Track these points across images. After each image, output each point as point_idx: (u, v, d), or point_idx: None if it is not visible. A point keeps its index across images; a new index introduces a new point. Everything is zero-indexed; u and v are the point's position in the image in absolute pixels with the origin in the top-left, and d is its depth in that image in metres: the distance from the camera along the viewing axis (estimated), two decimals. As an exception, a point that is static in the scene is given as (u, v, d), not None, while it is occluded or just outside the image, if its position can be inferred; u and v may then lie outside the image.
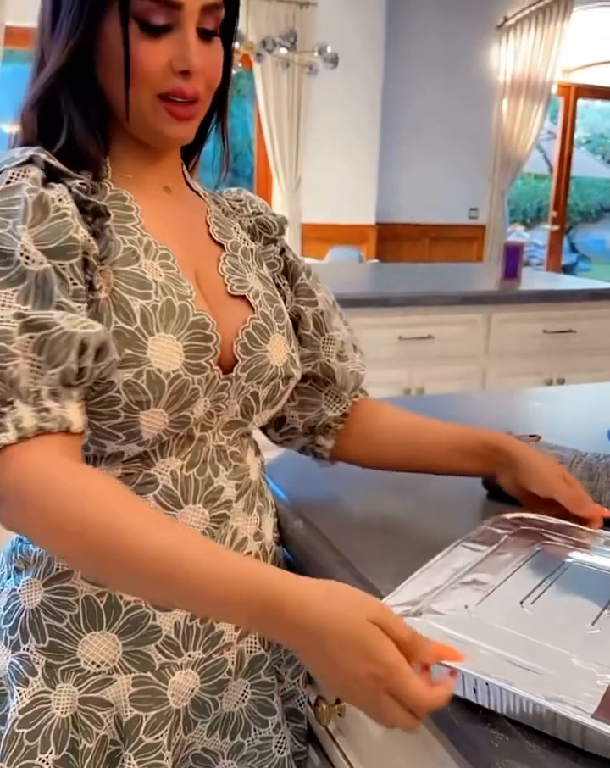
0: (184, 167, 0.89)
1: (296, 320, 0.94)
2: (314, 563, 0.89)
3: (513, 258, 3.17)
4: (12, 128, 0.79)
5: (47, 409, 0.65)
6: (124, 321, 0.72)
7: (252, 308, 0.84)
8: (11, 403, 0.64)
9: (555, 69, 6.44)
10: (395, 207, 6.14)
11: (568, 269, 8.89)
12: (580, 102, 7.25)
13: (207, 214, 0.89)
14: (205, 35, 0.77)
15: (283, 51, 4.19)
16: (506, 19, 6.23)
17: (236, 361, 0.81)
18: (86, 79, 0.77)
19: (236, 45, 4.14)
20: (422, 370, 2.94)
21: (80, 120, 0.77)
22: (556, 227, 7.43)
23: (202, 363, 0.77)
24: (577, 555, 0.81)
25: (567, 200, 7.48)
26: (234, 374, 0.80)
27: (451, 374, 2.99)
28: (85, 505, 0.62)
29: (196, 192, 0.91)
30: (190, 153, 0.90)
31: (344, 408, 0.97)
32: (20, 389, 0.64)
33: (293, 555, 0.94)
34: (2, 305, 0.65)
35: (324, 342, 0.95)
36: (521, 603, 0.72)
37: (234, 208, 0.94)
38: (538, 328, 3.10)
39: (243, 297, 0.84)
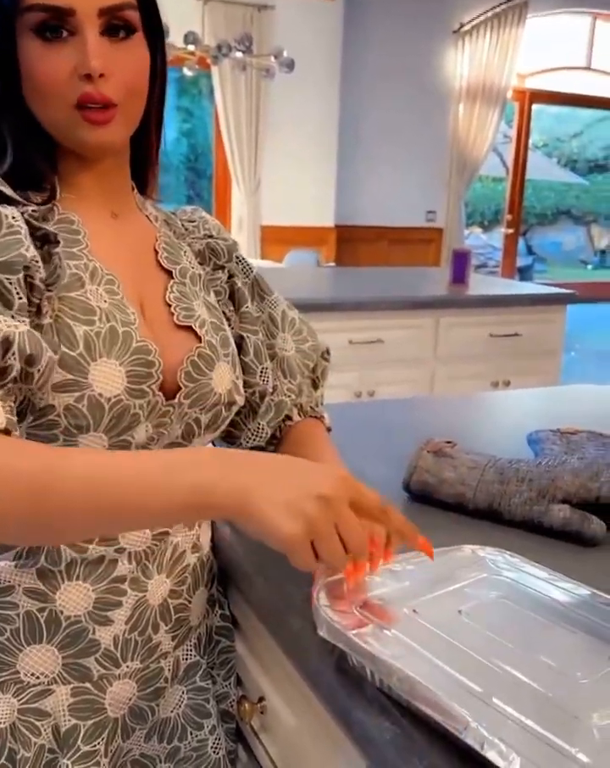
0: (136, 190, 0.90)
1: (239, 345, 0.95)
2: (239, 569, 0.93)
3: (461, 263, 3.25)
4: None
5: None
6: (68, 347, 0.73)
7: (199, 338, 0.85)
8: None
9: (510, 75, 6.54)
10: (353, 209, 6.21)
11: (524, 271, 9.02)
12: (535, 106, 7.37)
13: (156, 240, 0.89)
14: (114, 36, 0.76)
15: (239, 55, 4.22)
16: (462, 25, 6.33)
17: (180, 388, 0.82)
18: (20, 101, 0.77)
19: (191, 47, 4.13)
20: (372, 373, 2.98)
21: (21, 143, 0.78)
22: (511, 230, 7.55)
23: (144, 388, 0.77)
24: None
25: (522, 203, 7.60)
26: (177, 401, 0.82)
27: (401, 377, 3.04)
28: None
29: (147, 217, 0.91)
30: (139, 170, 0.89)
31: (260, 440, 0.99)
32: None
33: (219, 561, 0.97)
34: None
35: (261, 371, 0.97)
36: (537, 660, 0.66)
37: (186, 230, 0.95)
38: (484, 332, 3.16)
39: (189, 328, 0.85)
